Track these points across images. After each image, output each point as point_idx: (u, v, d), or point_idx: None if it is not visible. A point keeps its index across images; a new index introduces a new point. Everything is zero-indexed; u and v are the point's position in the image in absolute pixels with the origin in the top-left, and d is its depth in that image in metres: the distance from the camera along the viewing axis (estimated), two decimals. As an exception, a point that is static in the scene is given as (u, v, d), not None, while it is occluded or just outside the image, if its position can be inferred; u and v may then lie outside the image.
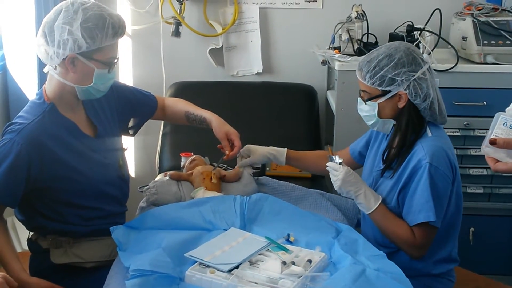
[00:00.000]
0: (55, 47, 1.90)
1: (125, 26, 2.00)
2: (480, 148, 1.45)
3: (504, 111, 1.42)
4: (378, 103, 2.08)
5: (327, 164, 2.12)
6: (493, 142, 1.38)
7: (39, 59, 2.03)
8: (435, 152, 2.01)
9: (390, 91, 2.05)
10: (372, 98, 2.08)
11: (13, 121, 2.00)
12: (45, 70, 2.01)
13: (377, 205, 2.06)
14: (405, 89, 2.03)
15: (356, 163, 2.40)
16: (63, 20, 1.90)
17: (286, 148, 2.38)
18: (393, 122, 2.11)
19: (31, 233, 2.14)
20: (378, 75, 2.03)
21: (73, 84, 1.97)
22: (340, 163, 2.08)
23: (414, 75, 2.02)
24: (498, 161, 1.41)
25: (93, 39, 1.90)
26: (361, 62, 2.09)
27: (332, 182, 2.10)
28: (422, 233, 2.03)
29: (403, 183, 2.06)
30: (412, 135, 2.08)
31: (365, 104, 2.10)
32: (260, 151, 2.35)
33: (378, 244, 2.17)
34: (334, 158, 2.11)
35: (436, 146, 2.03)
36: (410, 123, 2.07)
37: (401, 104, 2.06)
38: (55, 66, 1.96)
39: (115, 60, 2.01)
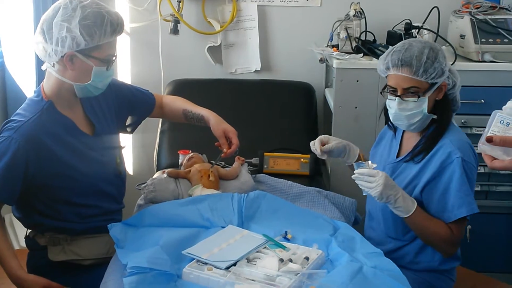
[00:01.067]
0: (54, 44, 1.90)
1: (123, 24, 2.00)
2: (477, 146, 1.45)
3: (501, 109, 1.42)
4: (428, 97, 2.03)
5: (356, 171, 2.00)
6: (489, 140, 1.38)
7: (37, 56, 2.03)
8: (462, 146, 2.02)
9: (436, 83, 2.02)
10: (423, 93, 2.02)
11: (11, 118, 2.00)
12: (43, 67, 2.01)
13: (415, 207, 1.99)
14: (446, 79, 2.05)
15: None
16: (62, 17, 1.90)
17: (359, 148, 2.30)
18: (432, 116, 2.07)
19: (29, 230, 2.14)
20: (432, 67, 1.99)
21: (71, 81, 1.98)
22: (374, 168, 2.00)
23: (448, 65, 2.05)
24: (494, 158, 1.41)
25: (92, 36, 1.90)
26: (405, 59, 2.00)
27: (367, 190, 1.98)
28: (459, 228, 2.03)
29: (430, 176, 2.04)
30: (446, 125, 2.08)
31: (417, 100, 2.01)
32: (339, 139, 2.27)
33: (389, 237, 2.18)
34: (366, 164, 2.01)
35: (462, 140, 2.05)
36: (448, 113, 2.08)
37: (440, 95, 2.06)
38: (54, 63, 1.96)
39: (114, 58, 2.01)
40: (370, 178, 1.96)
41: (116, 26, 1.96)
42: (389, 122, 2.24)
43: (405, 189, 2.06)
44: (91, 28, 1.90)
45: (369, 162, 2.02)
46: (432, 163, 2.05)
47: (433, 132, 2.09)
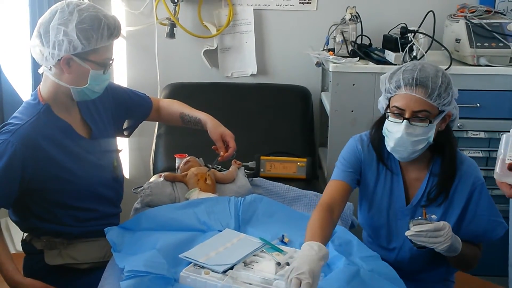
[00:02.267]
0: (50, 48, 1.90)
1: (120, 27, 2.00)
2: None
3: (509, 131, 1.36)
4: (436, 124, 1.89)
5: (416, 229, 1.80)
6: None
7: (33, 60, 2.03)
8: (475, 169, 2.00)
9: (443, 111, 1.90)
10: (433, 119, 1.88)
11: (8, 121, 1.99)
12: (40, 71, 2.01)
13: (461, 243, 1.90)
14: (452, 109, 1.94)
15: (352, 190, 2.11)
16: (59, 21, 1.89)
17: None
18: (429, 143, 1.92)
19: (25, 234, 2.14)
20: (446, 92, 1.86)
21: (68, 85, 1.97)
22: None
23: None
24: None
25: (89, 40, 1.90)
26: (420, 78, 1.85)
27: (433, 245, 1.82)
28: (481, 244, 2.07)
29: (461, 210, 1.99)
30: (455, 158, 1.98)
31: (427, 125, 1.86)
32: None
33: (414, 270, 2.12)
34: (429, 218, 1.84)
35: (473, 163, 2.01)
36: (454, 144, 1.98)
37: (443, 126, 1.94)
38: (50, 67, 1.95)
39: (110, 61, 2.01)
40: (436, 233, 1.81)
41: (113, 30, 1.95)
42: (372, 147, 2.06)
43: None
44: (88, 31, 1.90)
45: (432, 215, 1.86)
46: (458, 197, 1.99)
47: (444, 168, 1.98)
